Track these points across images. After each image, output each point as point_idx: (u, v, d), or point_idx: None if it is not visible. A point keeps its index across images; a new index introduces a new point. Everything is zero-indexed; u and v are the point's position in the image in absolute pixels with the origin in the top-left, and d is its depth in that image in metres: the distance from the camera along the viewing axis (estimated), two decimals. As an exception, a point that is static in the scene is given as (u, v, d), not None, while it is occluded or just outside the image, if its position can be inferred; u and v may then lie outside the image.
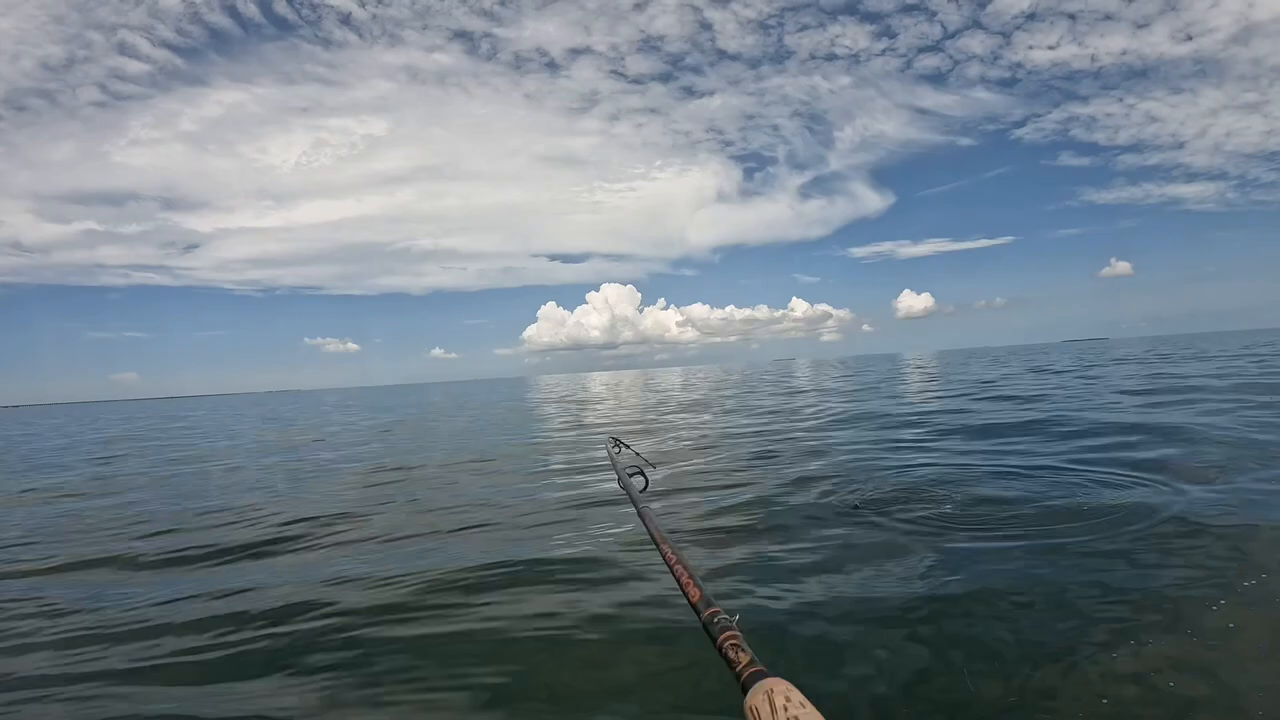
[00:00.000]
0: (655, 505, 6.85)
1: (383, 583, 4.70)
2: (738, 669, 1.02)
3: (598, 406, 25.57)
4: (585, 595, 4.20)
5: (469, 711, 2.94)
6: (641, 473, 2.53)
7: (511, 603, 4.19)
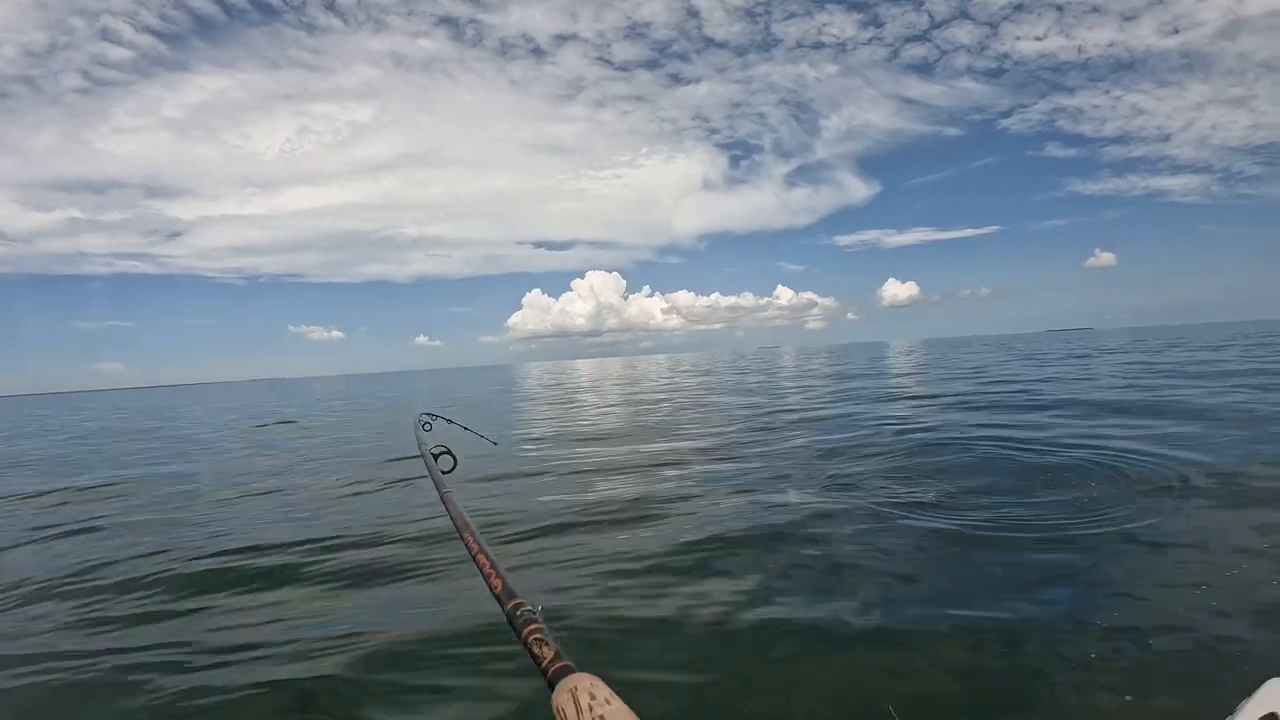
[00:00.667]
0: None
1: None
2: (543, 664, 0.98)
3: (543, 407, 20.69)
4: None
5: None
6: (449, 452, 2.36)
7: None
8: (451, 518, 1.59)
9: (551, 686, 0.90)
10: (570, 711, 0.79)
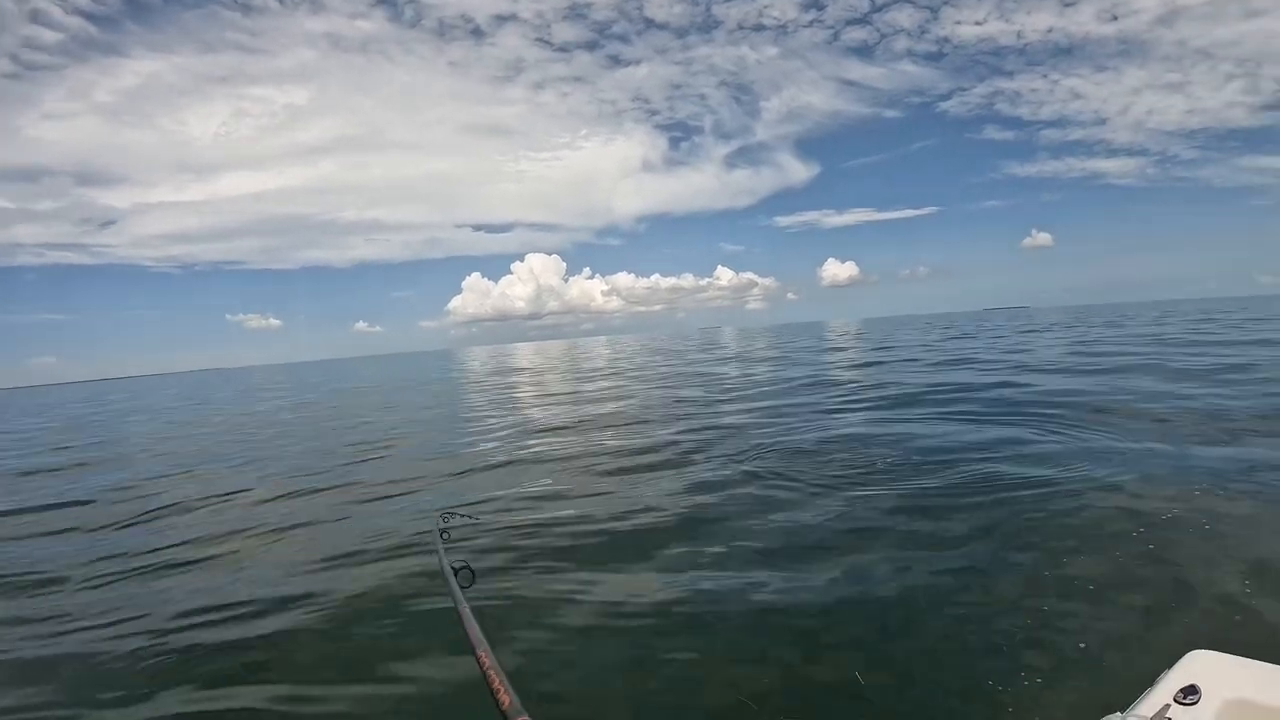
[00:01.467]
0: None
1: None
2: None
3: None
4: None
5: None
6: (469, 567, 2.17)
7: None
8: (469, 637, 1.57)
9: None
10: None
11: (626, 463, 7.39)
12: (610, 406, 13.11)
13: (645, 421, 10.47)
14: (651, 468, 7.03)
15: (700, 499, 5.59)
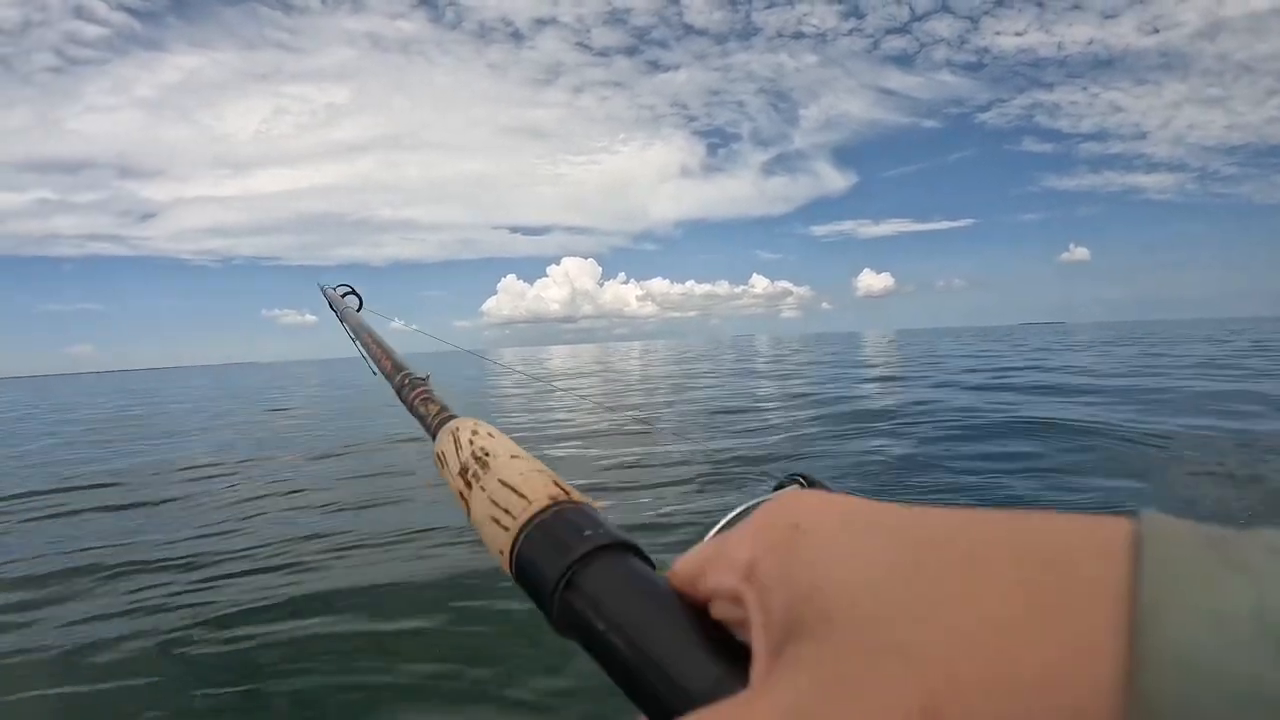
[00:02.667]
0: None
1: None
2: (428, 421, 0.92)
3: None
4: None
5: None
6: (354, 291, 2.07)
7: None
8: (345, 323, 1.61)
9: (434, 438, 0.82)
10: (450, 450, 0.69)
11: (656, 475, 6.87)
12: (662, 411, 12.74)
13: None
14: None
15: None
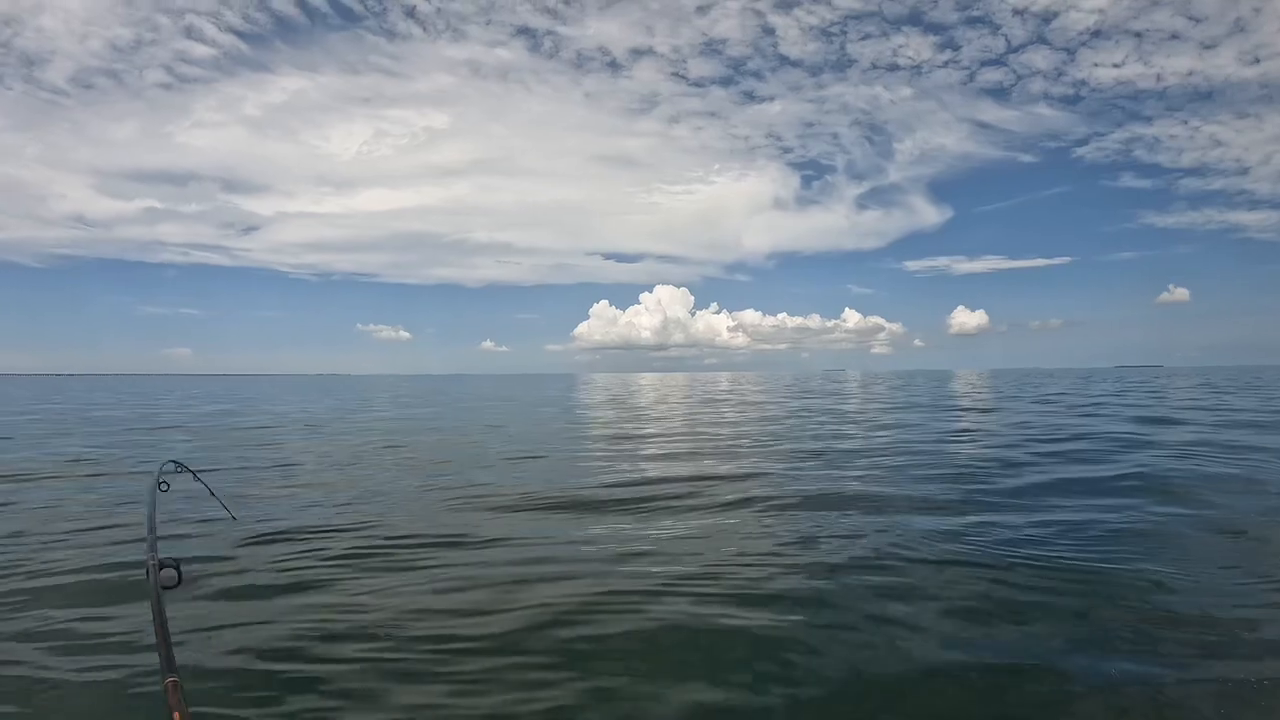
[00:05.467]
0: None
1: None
2: None
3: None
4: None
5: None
6: (176, 566, 2.08)
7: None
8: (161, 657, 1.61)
9: None
10: None
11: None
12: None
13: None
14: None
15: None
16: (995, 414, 19.61)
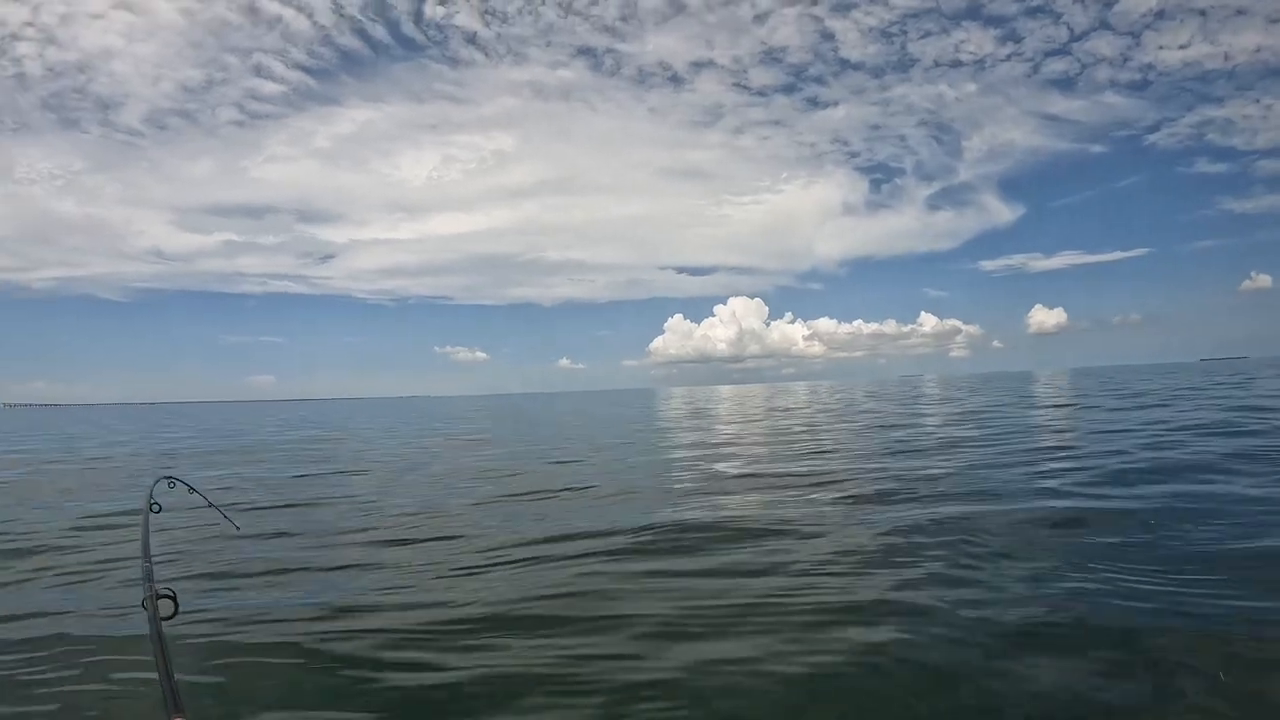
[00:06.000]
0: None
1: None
2: None
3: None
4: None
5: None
6: (172, 596, 2.02)
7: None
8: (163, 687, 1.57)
9: None
10: None
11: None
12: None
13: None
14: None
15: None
16: (1159, 410, 17.78)
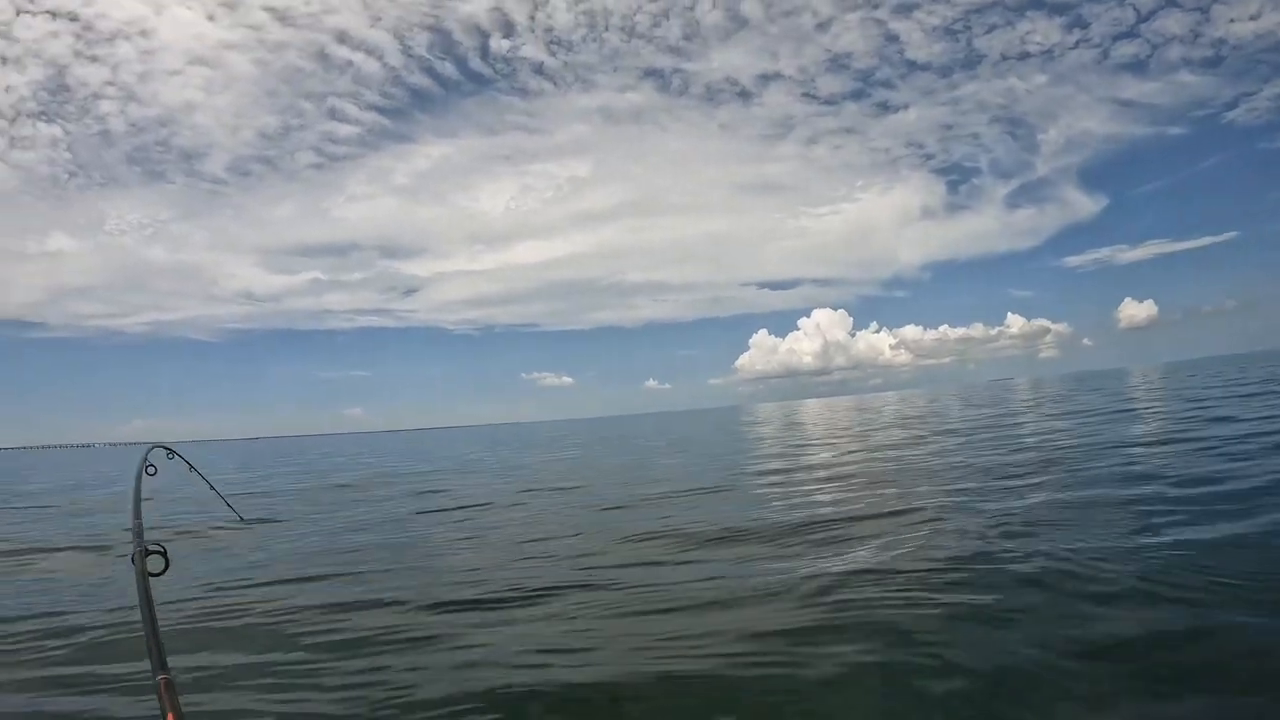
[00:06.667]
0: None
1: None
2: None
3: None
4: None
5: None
6: (162, 551, 2.10)
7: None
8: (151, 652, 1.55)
9: None
10: None
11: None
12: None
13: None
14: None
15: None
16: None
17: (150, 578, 1.90)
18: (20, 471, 39.65)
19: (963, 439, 16.29)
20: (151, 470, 3.24)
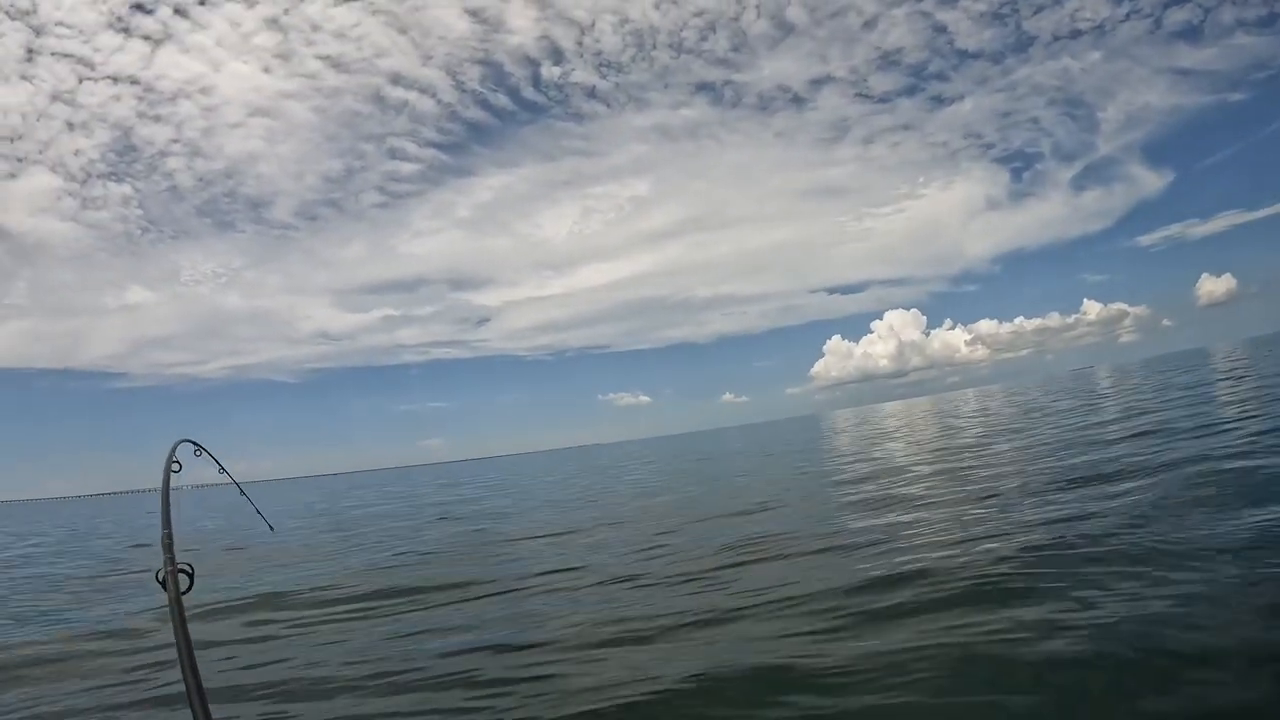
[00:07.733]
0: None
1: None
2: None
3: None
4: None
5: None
6: (188, 571, 1.87)
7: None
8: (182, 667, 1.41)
9: None
10: None
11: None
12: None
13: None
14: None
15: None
16: None
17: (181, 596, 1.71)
18: (93, 519, 39.13)
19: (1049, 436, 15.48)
20: (177, 467, 3.00)
